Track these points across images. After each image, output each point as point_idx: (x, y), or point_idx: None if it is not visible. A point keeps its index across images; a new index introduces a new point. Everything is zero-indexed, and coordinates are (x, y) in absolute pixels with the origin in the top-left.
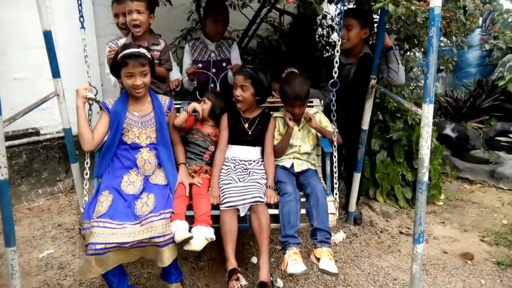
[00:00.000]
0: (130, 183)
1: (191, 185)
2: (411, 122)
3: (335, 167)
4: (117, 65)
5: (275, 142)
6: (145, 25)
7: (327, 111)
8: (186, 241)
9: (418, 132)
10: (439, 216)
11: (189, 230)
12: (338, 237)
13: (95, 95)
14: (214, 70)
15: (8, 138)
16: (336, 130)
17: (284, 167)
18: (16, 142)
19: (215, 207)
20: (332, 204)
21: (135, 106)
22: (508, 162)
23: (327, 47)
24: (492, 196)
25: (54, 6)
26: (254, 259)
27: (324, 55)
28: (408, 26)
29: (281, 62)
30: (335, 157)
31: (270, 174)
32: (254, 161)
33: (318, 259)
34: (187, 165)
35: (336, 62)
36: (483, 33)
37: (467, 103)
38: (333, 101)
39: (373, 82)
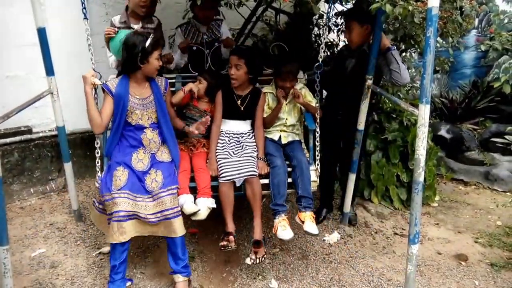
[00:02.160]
0: (139, 160)
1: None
2: (407, 123)
3: (317, 141)
4: None
5: (265, 115)
6: (150, 6)
7: (310, 86)
8: (194, 213)
9: (413, 133)
10: (433, 217)
11: (194, 202)
12: (333, 237)
13: (100, 79)
14: (208, 51)
15: (0, 136)
16: (318, 105)
17: (272, 140)
18: (8, 140)
19: (214, 178)
20: (313, 173)
21: (135, 89)
22: (502, 164)
23: (320, 46)
24: (486, 198)
25: (48, 3)
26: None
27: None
28: (404, 27)
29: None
30: (317, 132)
31: (261, 147)
32: (246, 133)
33: (303, 222)
34: (185, 139)
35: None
36: (479, 34)
37: (462, 104)
38: (317, 82)
39: (369, 82)
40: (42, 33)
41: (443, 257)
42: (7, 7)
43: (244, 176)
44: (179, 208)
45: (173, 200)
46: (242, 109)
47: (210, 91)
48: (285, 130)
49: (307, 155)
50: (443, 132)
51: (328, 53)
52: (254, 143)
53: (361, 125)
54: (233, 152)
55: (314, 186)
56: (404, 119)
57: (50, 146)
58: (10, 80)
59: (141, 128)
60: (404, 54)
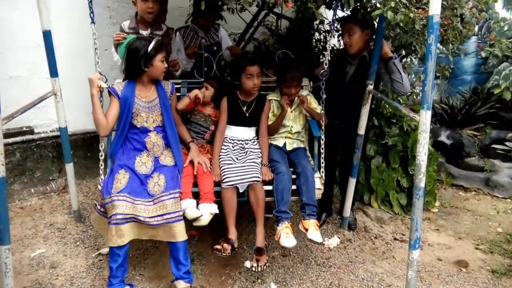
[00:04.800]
0: (142, 163)
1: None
2: (407, 128)
3: (322, 148)
4: None
5: (269, 122)
6: (156, 13)
7: (315, 94)
8: (196, 218)
9: (413, 138)
10: (433, 223)
11: (196, 207)
12: (333, 242)
13: (106, 83)
14: (206, 55)
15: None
16: (323, 112)
17: (277, 146)
18: (10, 140)
19: (217, 184)
20: (318, 181)
21: (141, 92)
22: (503, 170)
23: (324, 52)
24: (486, 204)
25: (52, 6)
26: (246, 263)
27: (321, 60)
28: (404, 34)
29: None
30: (322, 139)
31: (265, 153)
32: (250, 140)
33: (306, 230)
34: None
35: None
36: (479, 41)
37: (462, 111)
38: (323, 88)
39: (370, 87)
40: (47, 36)
41: (443, 263)
42: (12, 8)
43: (248, 182)
44: (181, 213)
45: (175, 204)
46: (247, 115)
47: (216, 97)
48: (290, 137)
49: (312, 162)
50: (443, 137)
51: (329, 58)
52: (259, 150)
53: (361, 130)
54: (237, 158)
55: (318, 194)
56: (404, 124)
57: (51, 146)
58: (13, 81)
59: (145, 131)
60: (404, 60)
